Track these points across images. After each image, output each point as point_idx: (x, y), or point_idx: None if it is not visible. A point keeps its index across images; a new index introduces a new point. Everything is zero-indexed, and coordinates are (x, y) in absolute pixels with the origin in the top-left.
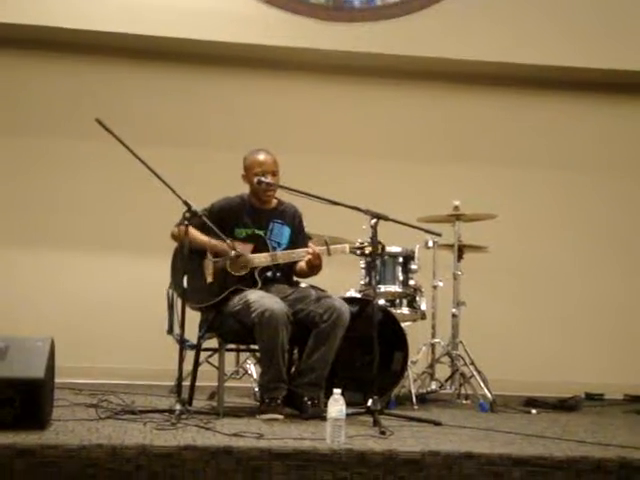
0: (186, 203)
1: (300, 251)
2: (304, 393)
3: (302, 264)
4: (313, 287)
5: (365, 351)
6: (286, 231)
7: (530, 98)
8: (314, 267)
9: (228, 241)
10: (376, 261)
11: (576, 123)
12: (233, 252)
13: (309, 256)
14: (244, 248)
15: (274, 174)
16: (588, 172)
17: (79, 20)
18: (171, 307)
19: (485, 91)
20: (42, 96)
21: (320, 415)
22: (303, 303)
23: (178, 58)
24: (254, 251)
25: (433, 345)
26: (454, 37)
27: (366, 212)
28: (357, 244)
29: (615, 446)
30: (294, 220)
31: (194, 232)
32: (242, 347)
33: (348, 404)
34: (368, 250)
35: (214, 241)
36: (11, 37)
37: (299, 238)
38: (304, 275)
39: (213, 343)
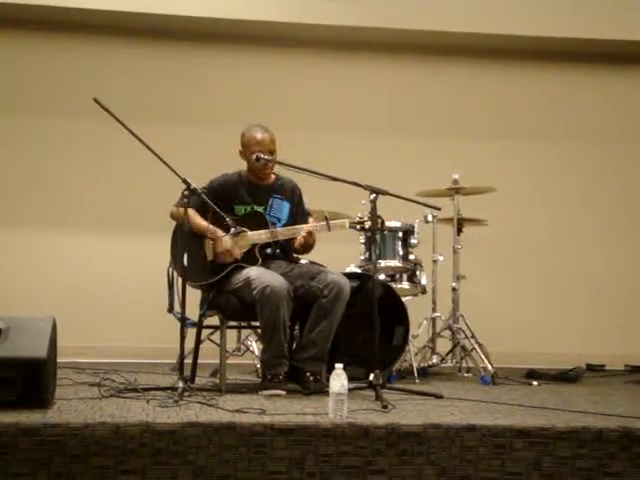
0: (185, 181)
1: (300, 227)
2: (306, 368)
3: (301, 239)
4: (313, 263)
5: (366, 326)
6: (285, 206)
7: (529, 70)
8: (307, 246)
9: (228, 219)
10: (376, 236)
11: (575, 95)
12: (233, 229)
13: (303, 234)
14: (236, 247)
15: (272, 151)
16: (587, 144)
17: None
18: (171, 286)
19: (484, 64)
20: (36, 75)
21: (322, 390)
22: (303, 279)
23: (174, 35)
24: (254, 227)
25: (434, 319)
26: (452, 9)
27: (365, 187)
28: (357, 219)
29: (616, 416)
30: (293, 195)
31: (193, 216)
32: (243, 324)
33: (350, 379)
34: (368, 225)
35: (213, 227)
36: (3, 16)
37: (299, 213)
38: (298, 252)
39: (214, 321)
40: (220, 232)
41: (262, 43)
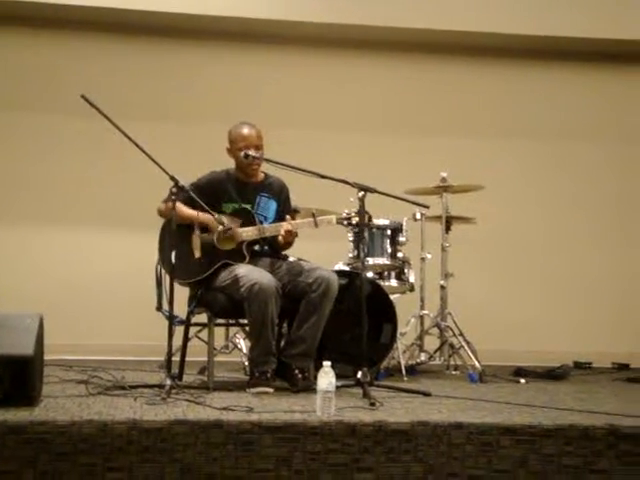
0: (173, 178)
1: (286, 223)
2: (294, 364)
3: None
4: (301, 260)
5: (354, 323)
6: (273, 205)
7: (517, 68)
8: (287, 243)
9: (216, 216)
10: (364, 233)
11: (564, 93)
12: (220, 226)
13: (282, 234)
14: (232, 223)
15: (258, 147)
16: (576, 142)
17: None
18: (159, 283)
19: (473, 62)
20: (25, 72)
21: (310, 388)
22: (292, 274)
23: (164, 32)
24: (241, 225)
25: (422, 317)
26: (441, 7)
27: (353, 185)
28: (344, 215)
29: (603, 414)
30: (281, 194)
31: (181, 207)
32: (231, 321)
33: (338, 376)
34: (355, 220)
35: (202, 215)
36: None
37: (285, 211)
38: (283, 247)
39: (202, 318)
40: (209, 217)
41: (250, 40)
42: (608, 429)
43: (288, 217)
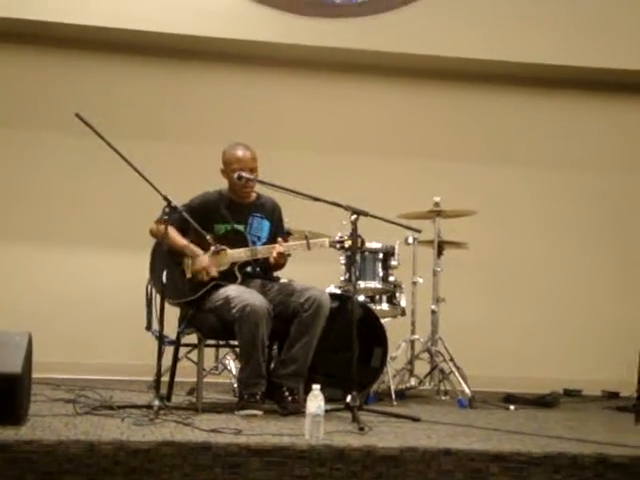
0: (166, 198)
1: (278, 246)
2: (285, 384)
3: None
4: (292, 281)
5: (344, 347)
6: (266, 225)
7: (510, 95)
8: (278, 265)
9: (208, 237)
10: (356, 256)
11: (556, 121)
12: (212, 247)
13: (274, 254)
14: (213, 264)
15: (253, 170)
16: (566, 170)
17: (59, 13)
18: (150, 303)
19: (466, 88)
20: (17, 89)
21: (299, 411)
22: (283, 295)
23: (159, 53)
24: (234, 246)
25: (412, 341)
26: (436, 34)
27: (346, 208)
28: (336, 238)
29: (592, 442)
30: (274, 214)
31: (173, 234)
32: (221, 343)
33: (327, 400)
34: (347, 244)
35: (192, 245)
36: None
37: (279, 232)
38: (276, 268)
39: (192, 339)
40: (198, 250)
41: (245, 62)
42: (597, 458)
43: (280, 239)
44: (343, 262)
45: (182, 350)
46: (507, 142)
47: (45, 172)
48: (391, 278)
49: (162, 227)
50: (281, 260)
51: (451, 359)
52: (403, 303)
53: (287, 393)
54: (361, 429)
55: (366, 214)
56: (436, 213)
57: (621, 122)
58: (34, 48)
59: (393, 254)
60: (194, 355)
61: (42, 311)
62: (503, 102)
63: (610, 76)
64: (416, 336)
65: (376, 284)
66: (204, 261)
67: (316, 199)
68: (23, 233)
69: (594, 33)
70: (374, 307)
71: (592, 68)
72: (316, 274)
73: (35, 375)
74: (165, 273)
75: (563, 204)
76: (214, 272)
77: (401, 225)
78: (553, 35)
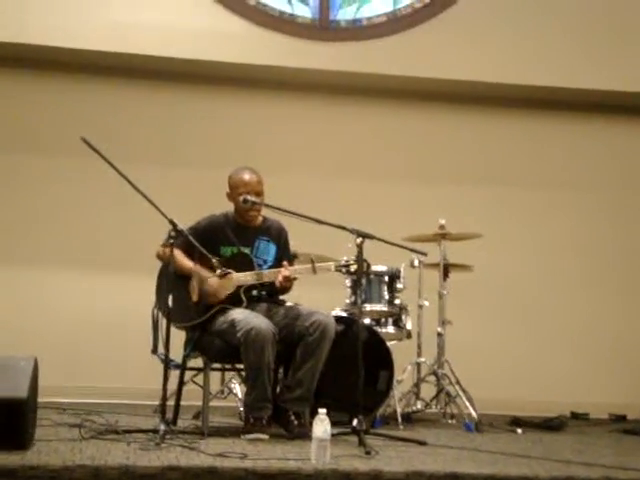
0: (172, 222)
1: (285, 269)
2: (291, 408)
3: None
4: (298, 305)
5: (350, 370)
6: (272, 248)
7: (516, 118)
8: (284, 289)
9: (214, 260)
10: (362, 280)
11: (561, 142)
12: (219, 270)
13: (280, 278)
14: (222, 289)
15: (259, 193)
16: (573, 191)
17: (62, 38)
18: (156, 327)
19: (471, 110)
20: (25, 114)
21: (305, 435)
22: (289, 318)
23: (162, 77)
24: (240, 269)
25: (419, 364)
26: (441, 57)
27: (352, 231)
28: (342, 262)
29: (600, 466)
30: (280, 237)
31: (179, 256)
32: (227, 366)
33: (333, 424)
34: (353, 268)
35: (199, 267)
36: None
37: (285, 255)
38: (283, 291)
39: (198, 362)
40: (205, 273)
41: (250, 86)
42: None
43: (285, 263)
44: (349, 285)
45: (188, 374)
46: (512, 164)
47: (50, 196)
48: (397, 301)
49: (168, 250)
50: (287, 284)
51: (457, 382)
52: (409, 326)
53: (293, 417)
54: (367, 453)
55: (372, 237)
56: (441, 236)
57: (622, 142)
58: (39, 73)
59: (399, 277)
60: (200, 379)
61: (48, 335)
62: (507, 125)
63: (610, 98)
64: (422, 359)
65: (382, 307)
66: (213, 285)
67: (321, 222)
68: (28, 257)
69: (593, 55)
70: (380, 330)
71: (594, 90)
72: (322, 297)
73: (41, 399)
74: (171, 297)
75: (569, 226)
76: (223, 296)
77: (407, 248)
78: (559, 58)
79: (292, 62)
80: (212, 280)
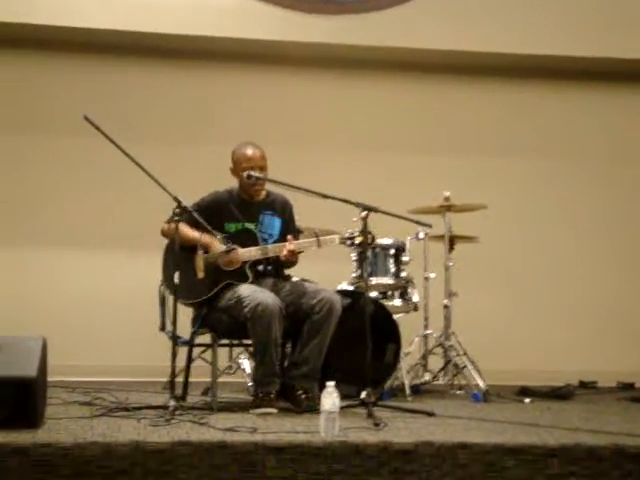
0: (176, 199)
1: (294, 243)
2: (298, 385)
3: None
4: (305, 280)
5: (358, 343)
6: (277, 222)
7: (520, 88)
8: (289, 263)
9: (219, 236)
10: (367, 252)
11: (566, 112)
12: (224, 247)
13: (285, 253)
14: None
15: (262, 168)
16: (579, 161)
17: (65, 17)
18: (163, 304)
19: (476, 82)
20: (28, 93)
21: (314, 408)
22: (295, 295)
23: (163, 54)
24: (245, 245)
25: (426, 336)
26: (442, 28)
27: (356, 204)
28: (347, 234)
29: (608, 433)
30: (285, 211)
31: (184, 228)
32: (235, 342)
33: (342, 397)
34: (358, 240)
35: (204, 236)
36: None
37: (290, 229)
38: (288, 265)
39: (206, 339)
40: (213, 239)
41: (252, 61)
42: (613, 449)
43: (290, 237)
44: (354, 259)
45: (196, 350)
46: (517, 135)
47: (57, 176)
48: (403, 274)
49: (173, 225)
50: (292, 258)
51: (465, 353)
52: (415, 298)
53: (300, 392)
54: (376, 425)
55: (376, 210)
56: (446, 208)
57: (625, 109)
58: (42, 53)
59: (404, 250)
60: (208, 355)
61: (56, 314)
62: (512, 95)
63: (620, 66)
64: (429, 331)
65: (388, 280)
66: (235, 254)
67: (326, 196)
68: (35, 237)
69: (599, 23)
70: (386, 303)
71: (599, 58)
72: (327, 271)
73: (50, 378)
74: (177, 274)
75: (573, 196)
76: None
77: (412, 220)
78: (562, 26)
79: (294, 36)
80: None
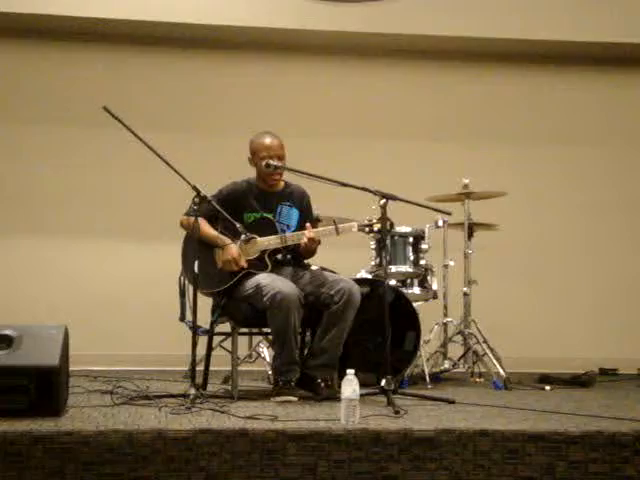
0: (195, 188)
1: (308, 232)
2: (317, 375)
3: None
4: (324, 269)
5: (377, 331)
6: (294, 213)
7: (539, 74)
8: (310, 251)
9: (238, 225)
10: (386, 240)
11: (586, 98)
12: (243, 236)
13: (305, 240)
14: (241, 254)
15: (281, 157)
16: (598, 148)
17: (74, 7)
18: (183, 294)
19: (493, 68)
20: (39, 83)
21: (334, 396)
22: (314, 285)
23: (180, 43)
24: (263, 234)
25: (445, 324)
26: (462, 14)
27: (375, 192)
28: (365, 222)
29: (630, 420)
30: (302, 202)
31: (203, 225)
32: (254, 330)
33: (362, 384)
34: (377, 227)
35: (222, 237)
36: (13, 26)
37: (307, 220)
38: (308, 255)
39: (226, 328)
40: (228, 240)
41: (270, 50)
42: (635, 435)
43: (308, 225)
44: (373, 247)
45: (216, 339)
46: (536, 122)
47: (71, 166)
48: (422, 262)
49: (192, 219)
50: (312, 246)
51: (484, 341)
52: (435, 286)
53: (319, 380)
54: (396, 412)
55: (395, 198)
56: (466, 195)
57: None
58: (55, 43)
59: (423, 237)
60: (228, 344)
61: (78, 304)
62: (532, 82)
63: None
64: (449, 319)
65: (407, 268)
66: (232, 251)
67: (344, 184)
68: (57, 228)
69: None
70: (406, 291)
71: (618, 43)
72: (346, 259)
73: (72, 368)
74: (197, 264)
75: (593, 184)
76: (243, 262)
77: (431, 208)
78: (577, 12)
79: (313, 25)
80: (233, 246)
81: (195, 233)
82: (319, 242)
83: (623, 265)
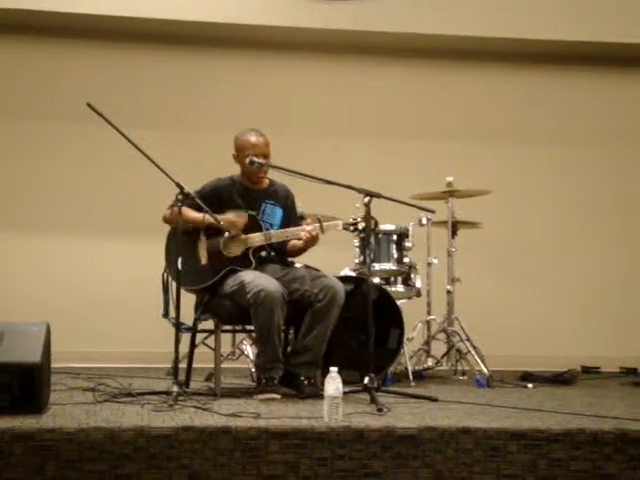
0: (178, 185)
1: (294, 230)
2: (300, 373)
3: (296, 242)
4: (307, 267)
5: (361, 329)
6: (278, 212)
7: (522, 73)
8: (303, 250)
9: (222, 222)
10: (370, 238)
11: (569, 97)
12: (227, 233)
13: (307, 235)
14: (238, 217)
15: (266, 155)
16: (581, 146)
17: (70, 3)
18: (166, 291)
19: (478, 67)
20: (29, 79)
21: (317, 394)
22: (298, 283)
23: (167, 40)
24: (247, 231)
25: (429, 322)
26: (446, 13)
27: (359, 190)
28: (350, 220)
29: (612, 418)
30: (287, 201)
31: (187, 210)
32: (238, 328)
33: (345, 382)
34: (361, 226)
35: (207, 217)
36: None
37: (291, 219)
38: (295, 254)
39: (209, 325)
40: (217, 216)
41: (255, 47)
42: (616, 433)
43: (309, 220)
44: (357, 245)
45: (199, 336)
46: (520, 121)
47: (57, 163)
48: (406, 259)
49: (175, 209)
50: (310, 244)
51: (467, 339)
52: (418, 284)
53: (302, 378)
54: (379, 410)
55: (379, 196)
56: (449, 193)
57: (631, 95)
58: (45, 39)
59: (407, 235)
60: (211, 341)
61: (60, 301)
62: (514, 81)
63: (626, 51)
64: (432, 317)
65: (391, 266)
66: (227, 217)
67: (329, 182)
68: (39, 224)
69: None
70: (389, 289)
71: (605, 43)
72: (331, 257)
73: (54, 365)
74: (180, 260)
75: (576, 182)
76: (243, 221)
77: (414, 206)
78: (564, 10)
79: (299, 22)
80: (230, 214)
81: (179, 222)
82: (315, 242)
83: (605, 264)
